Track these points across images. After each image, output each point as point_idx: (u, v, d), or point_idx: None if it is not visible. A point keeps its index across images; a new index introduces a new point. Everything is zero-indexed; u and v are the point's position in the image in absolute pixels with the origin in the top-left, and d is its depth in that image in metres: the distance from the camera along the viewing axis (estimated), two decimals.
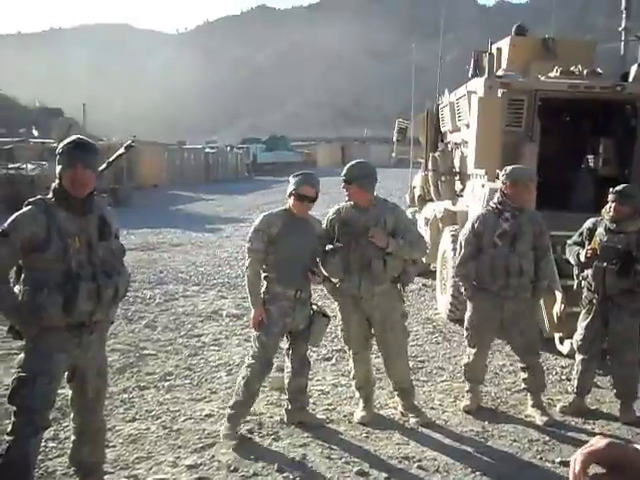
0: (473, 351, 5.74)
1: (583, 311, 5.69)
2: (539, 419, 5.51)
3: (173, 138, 53.23)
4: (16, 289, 3.59)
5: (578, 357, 5.74)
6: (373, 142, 66.65)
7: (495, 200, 5.69)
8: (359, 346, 5.45)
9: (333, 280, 5.39)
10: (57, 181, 3.67)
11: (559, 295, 6.69)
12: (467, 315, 5.79)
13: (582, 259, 5.54)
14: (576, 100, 8.23)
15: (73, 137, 3.80)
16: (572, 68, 8.41)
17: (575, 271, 5.77)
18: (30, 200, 3.62)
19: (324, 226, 5.35)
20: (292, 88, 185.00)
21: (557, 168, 8.78)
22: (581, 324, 5.69)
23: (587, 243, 5.59)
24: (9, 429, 3.56)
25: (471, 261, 5.62)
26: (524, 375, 5.74)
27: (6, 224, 3.52)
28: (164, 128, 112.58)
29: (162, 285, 10.79)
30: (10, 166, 24.39)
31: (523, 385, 5.81)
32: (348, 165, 5.30)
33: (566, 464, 4.68)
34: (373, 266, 5.12)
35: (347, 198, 5.29)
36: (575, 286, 5.79)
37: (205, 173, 42.00)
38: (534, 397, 5.70)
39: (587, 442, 3.69)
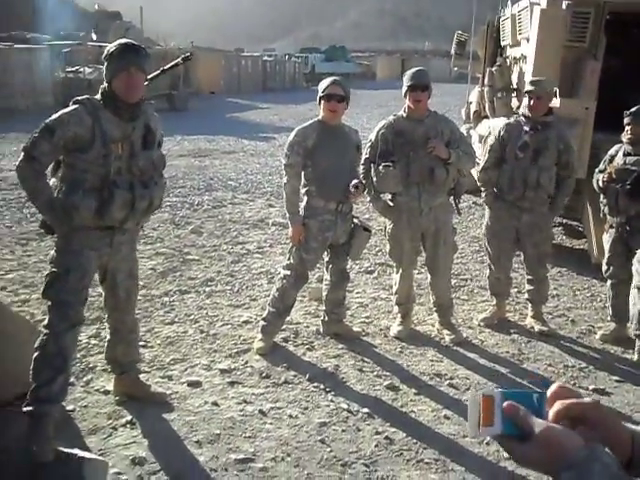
0: (493, 263, 5.81)
1: (607, 236, 5.61)
2: (537, 328, 5.64)
3: (231, 45, 52.70)
4: (51, 182, 3.59)
5: (607, 283, 5.72)
6: (434, 55, 64.83)
7: (521, 111, 5.66)
8: (408, 263, 5.42)
9: (384, 196, 5.32)
10: (106, 84, 3.59)
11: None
12: (485, 223, 5.88)
13: (600, 184, 5.48)
14: None
15: (123, 40, 3.71)
16: None
17: (600, 198, 5.64)
18: (77, 99, 3.54)
19: (371, 138, 5.23)
20: None
21: (620, 89, 8.37)
22: (606, 249, 5.64)
23: (608, 169, 5.47)
24: (45, 322, 3.64)
25: (493, 168, 5.64)
26: (529, 287, 5.81)
27: (52, 119, 3.45)
28: (222, 35, 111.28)
29: (211, 192, 10.85)
30: (68, 69, 24.53)
31: (526, 296, 5.89)
32: (414, 71, 5.12)
33: (600, 392, 4.64)
34: (436, 175, 5.05)
35: (405, 107, 5.14)
36: (601, 213, 5.65)
37: (262, 81, 41.62)
38: (534, 307, 5.81)
39: (624, 371, 3.62)
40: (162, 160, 3.90)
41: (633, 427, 1.06)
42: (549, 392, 1.08)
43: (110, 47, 3.61)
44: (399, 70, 61.87)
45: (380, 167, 5.08)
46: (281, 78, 44.06)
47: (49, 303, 3.61)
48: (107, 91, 3.57)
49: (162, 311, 5.65)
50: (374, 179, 5.17)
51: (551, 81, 5.71)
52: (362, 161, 5.22)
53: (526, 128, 5.45)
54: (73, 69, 24.55)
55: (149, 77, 4.08)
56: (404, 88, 5.07)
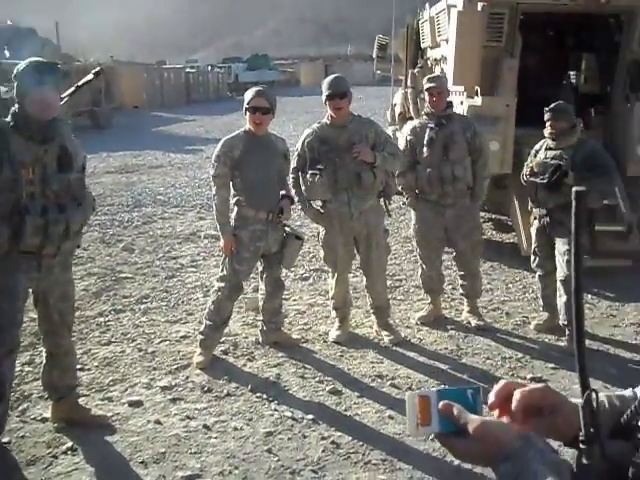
0: (423, 261, 5.91)
1: (532, 228, 5.76)
2: (474, 323, 5.76)
3: (152, 57, 52.05)
4: None
5: (537, 274, 5.87)
6: (357, 60, 65.42)
7: (424, 111, 5.83)
8: (343, 267, 5.45)
9: (314, 204, 5.35)
10: (16, 105, 3.50)
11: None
12: (412, 225, 5.99)
13: (523, 178, 5.63)
14: (559, 14, 8.00)
15: (33, 58, 3.62)
16: None
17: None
18: None
19: (298, 147, 5.25)
20: (274, 4, 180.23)
21: (538, 84, 8.62)
22: (532, 241, 5.80)
23: (530, 163, 5.64)
24: None
25: (410, 172, 5.75)
26: (462, 282, 5.94)
27: None
28: (143, 47, 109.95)
29: (140, 208, 10.69)
30: None
31: (460, 291, 6.02)
32: (331, 80, 5.14)
33: (537, 380, 4.76)
34: (364, 179, 5.09)
35: (328, 115, 5.17)
36: (529, 206, 5.82)
37: (186, 93, 41.21)
38: (470, 302, 5.94)
39: (558, 358, 3.72)
40: (81, 183, 3.77)
41: (575, 401, 1.10)
42: (497, 389, 1.12)
43: (20, 66, 3.52)
44: (322, 76, 62.03)
45: (308, 176, 5.11)
46: (205, 89, 43.75)
47: None
48: (18, 111, 3.48)
49: (98, 332, 5.54)
50: (303, 188, 5.20)
51: (445, 77, 6.06)
52: (291, 170, 5.23)
53: (431, 125, 5.60)
54: None
55: (64, 95, 4.01)
56: (323, 97, 5.11)
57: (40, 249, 3.53)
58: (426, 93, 5.62)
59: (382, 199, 5.41)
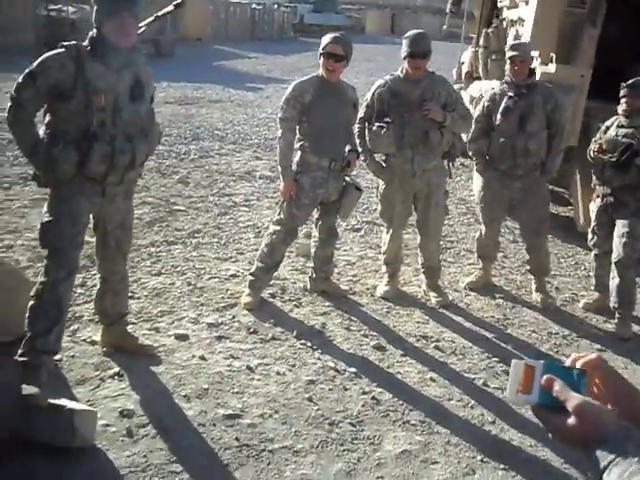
0: (484, 227, 5.78)
1: (594, 206, 5.58)
2: (542, 303, 5.58)
3: None
4: (41, 131, 3.51)
5: (592, 252, 5.71)
6: (426, 12, 63.96)
7: (505, 79, 5.58)
8: (399, 224, 5.40)
9: (377, 157, 5.28)
10: (95, 29, 3.46)
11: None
12: (478, 190, 5.81)
13: (591, 154, 5.42)
14: None
15: None
16: None
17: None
18: (64, 43, 3.43)
19: (367, 98, 5.17)
20: None
21: (616, 56, 8.30)
22: (592, 219, 5.62)
23: (600, 139, 5.42)
24: (42, 272, 3.61)
25: (482, 138, 5.57)
26: (528, 257, 5.77)
27: (35, 64, 3.37)
28: None
29: (198, 141, 10.71)
30: (51, 7, 23.89)
31: (527, 267, 5.85)
32: (414, 37, 4.97)
33: None
34: (431, 138, 5.01)
35: (403, 68, 5.06)
36: (592, 183, 5.62)
37: (250, 30, 40.89)
38: (538, 280, 5.76)
39: (605, 340, 3.66)
40: (151, 115, 3.78)
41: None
42: (585, 360, 1.11)
43: None
44: (389, 25, 61.17)
45: (374, 128, 5.04)
46: (269, 27, 43.30)
47: (45, 252, 3.58)
48: (96, 37, 3.45)
49: (149, 262, 5.61)
50: (368, 139, 5.12)
51: (530, 45, 5.67)
52: (357, 120, 5.16)
53: (510, 94, 5.38)
54: (56, 7, 23.91)
55: (143, 24, 3.97)
56: (403, 52, 4.98)
57: (104, 177, 3.55)
58: (508, 61, 5.39)
59: (446, 159, 5.31)
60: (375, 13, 62.69)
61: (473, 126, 5.57)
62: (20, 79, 3.37)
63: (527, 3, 8.03)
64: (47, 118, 3.49)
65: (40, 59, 3.38)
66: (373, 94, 5.12)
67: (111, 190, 3.65)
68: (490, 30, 9.38)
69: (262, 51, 31.34)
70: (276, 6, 46.56)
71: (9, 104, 3.39)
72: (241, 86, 18.06)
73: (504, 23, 9.44)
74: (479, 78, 10.25)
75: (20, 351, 3.48)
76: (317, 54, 4.85)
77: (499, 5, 10.03)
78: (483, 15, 10.51)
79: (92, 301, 4.50)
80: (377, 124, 5.03)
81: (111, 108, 3.46)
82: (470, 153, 5.80)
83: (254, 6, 42.48)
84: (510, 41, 8.89)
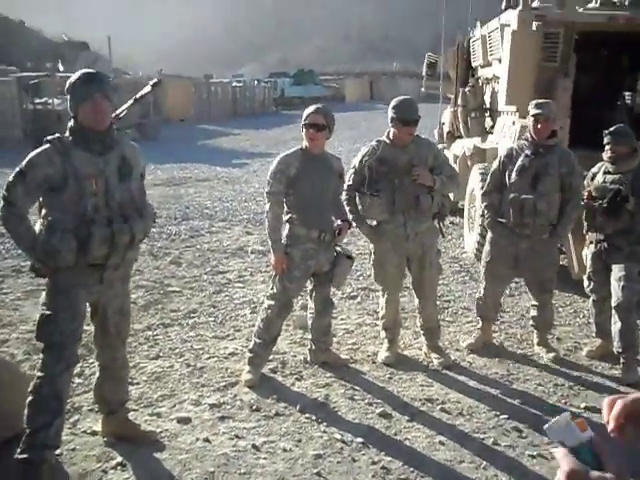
0: (485, 285, 5.72)
1: (587, 252, 5.57)
2: (545, 356, 5.52)
3: (199, 72, 52.62)
4: (38, 225, 3.54)
5: (590, 299, 5.67)
6: (402, 76, 65.36)
7: (524, 135, 5.59)
8: (394, 287, 5.39)
9: (369, 222, 5.31)
10: (72, 120, 3.55)
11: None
12: (485, 247, 5.76)
13: (581, 202, 5.41)
14: (616, 33, 7.86)
15: (83, 70, 3.67)
16: None
17: (583, 215, 5.58)
18: (48, 138, 3.51)
19: (355, 165, 5.22)
20: (319, 21, 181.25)
21: (592, 105, 8.47)
22: (587, 266, 5.60)
23: (587, 187, 5.45)
24: (39, 366, 3.58)
25: (495, 192, 5.55)
26: (533, 312, 5.71)
27: (23, 163, 3.45)
28: (190, 62, 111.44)
29: (188, 221, 10.78)
30: (37, 101, 24.34)
31: (531, 322, 5.79)
32: (402, 102, 5.08)
33: (591, 410, 4.63)
34: (422, 203, 5.05)
35: (389, 133, 5.13)
36: (584, 229, 5.61)
37: (232, 107, 41.65)
38: (540, 335, 5.70)
39: (613, 388, 3.62)
40: (142, 192, 3.84)
41: None
42: (608, 410, 1.16)
43: (71, 79, 3.58)
44: (368, 92, 62.40)
45: (365, 196, 5.08)
46: (251, 103, 44.14)
47: (42, 345, 3.56)
48: (74, 125, 3.53)
49: (146, 346, 5.57)
50: (360, 207, 5.17)
51: (554, 104, 5.58)
52: (345, 187, 5.20)
53: (527, 152, 5.37)
54: (42, 101, 24.36)
55: (123, 107, 4.04)
56: (392, 118, 5.05)
57: (106, 260, 3.56)
58: (531, 118, 5.37)
59: (437, 220, 5.34)
60: (353, 81, 64.09)
61: (488, 179, 5.61)
62: (10, 178, 3.43)
63: (500, 61, 8.23)
64: (43, 211, 3.54)
65: (28, 157, 3.45)
66: (361, 162, 5.17)
67: (109, 275, 3.66)
68: (467, 89, 9.57)
69: (245, 127, 31.87)
70: (256, 82, 47.60)
71: (1, 203, 3.43)
72: (227, 163, 18.29)
73: (480, 82, 9.66)
74: (460, 137, 10.43)
75: (20, 448, 3.42)
76: (299, 126, 4.93)
77: (473, 65, 10.28)
78: (459, 75, 10.74)
79: (91, 391, 4.44)
80: (368, 192, 5.07)
81: (102, 192, 3.52)
82: (482, 205, 5.78)
83: (235, 84, 43.42)
84: (487, 98, 9.12)
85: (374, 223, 5.30)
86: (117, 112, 3.90)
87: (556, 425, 1.11)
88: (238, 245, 9.26)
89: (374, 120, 36.92)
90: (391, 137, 5.12)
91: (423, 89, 15.94)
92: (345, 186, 5.20)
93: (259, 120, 36.97)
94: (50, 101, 23.82)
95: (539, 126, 5.31)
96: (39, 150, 3.48)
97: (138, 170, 3.79)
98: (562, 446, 1.09)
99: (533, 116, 5.35)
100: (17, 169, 3.45)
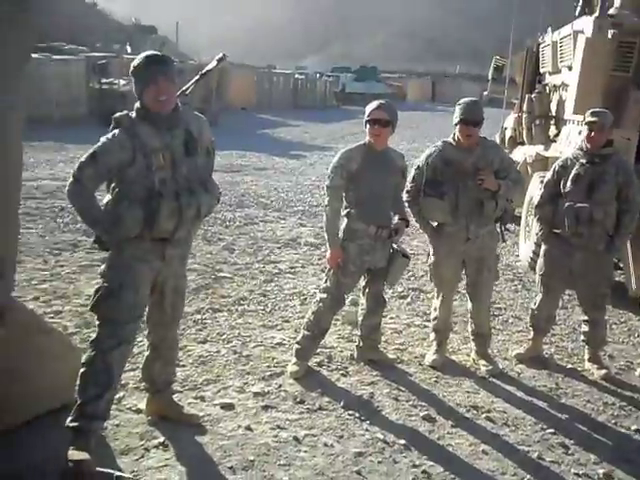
0: (539, 297, 5.60)
1: None
2: (596, 373, 5.39)
3: (262, 62, 52.99)
4: (106, 199, 3.60)
5: None
6: (465, 79, 64.71)
7: (579, 145, 5.45)
8: (449, 289, 5.34)
9: (433, 223, 5.25)
10: (138, 102, 3.57)
11: None
12: (539, 259, 5.64)
13: None
14: None
15: (147, 52, 3.66)
16: None
17: None
18: (116, 117, 3.54)
19: (421, 164, 5.15)
20: (383, 17, 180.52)
21: None
22: None
23: None
24: (92, 338, 3.62)
25: (549, 204, 5.43)
26: (585, 328, 5.56)
27: (97, 146, 3.48)
28: (254, 52, 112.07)
29: (243, 208, 10.85)
30: (103, 81, 24.83)
31: (582, 338, 5.63)
32: (468, 104, 4.98)
33: None
34: (486, 207, 4.98)
35: (454, 136, 5.06)
36: None
37: (293, 99, 41.80)
38: (592, 351, 5.56)
39: None
40: (209, 166, 3.86)
41: None
42: None
43: (135, 61, 3.58)
44: (429, 92, 61.95)
45: (429, 198, 5.03)
46: (312, 96, 44.24)
47: (98, 319, 3.59)
48: (140, 108, 3.56)
49: (194, 329, 5.61)
50: (423, 208, 5.12)
51: (610, 114, 5.38)
52: (408, 185, 5.16)
53: (582, 161, 5.26)
54: (108, 81, 24.84)
55: (189, 85, 4.05)
56: (455, 119, 4.98)
57: (172, 234, 3.59)
58: (585, 127, 5.26)
59: (499, 224, 5.25)
60: (415, 81, 63.71)
61: (542, 190, 5.51)
62: (83, 158, 3.47)
63: (570, 69, 8.06)
64: (112, 185, 3.59)
65: (102, 141, 3.49)
66: (426, 161, 5.10)
67: (170, 252, 3.68)
68: (533, 96, 9.41)
69: (305, 119, 31.94)
70: (318, 75, 47.67)
71: (70, 180, 3.48)
72: (285, 154, 18.35)
73: (547, 88, 9.48)
74: (522, 143, 10.26)
75: (70, 417, 3.48)
76: (359, 122, 4.89)
77: (541, 71, 10.10)
78: (525, 81, 10.56)
79: (137, 369, 4.50)
80: (432, 194, 5.02)
81: (170, 165, 3.55)
82: (536, 218, 5.69)
83: (297, 76, 43.56)
84: (553, 106, 8.95)
85: (435, 224, 5.24)
86: (183, 88, 3.90)
87: None
88: (291, 236, 9.28)
89: (434, 120, 36.71)
90: (456, 139, 5.05)
91: (486, 92, 15.76)
92: (407, 186, 5.15)
93: (319, 113, 37.03)
94: (116, 81, 24.26)
95: (593, 134, 5.19)
96: (111, 135, 3.50)
97: (204, 144, 3.79)
98: None
99: (587, 124, 5.24)
100: (90, 151, 3.48)
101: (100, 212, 3.53)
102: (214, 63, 4.44)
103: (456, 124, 4.98)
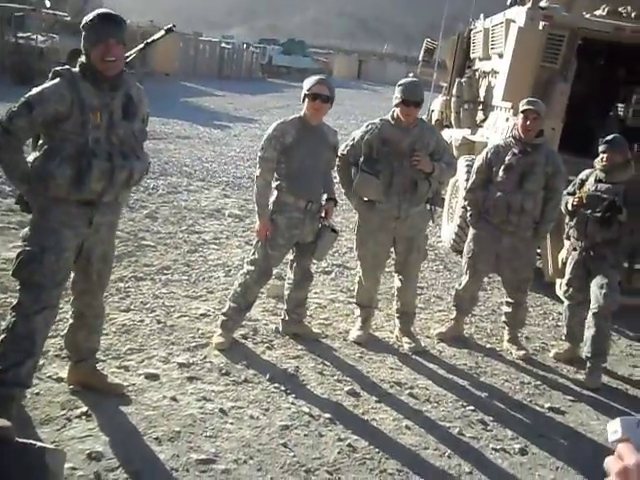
0: (465, 279, 5.74)
1: (569, 258, 5.62)
2: (515, 353, 5.59)
3: (188, 29, 51.81)
4: (31, 156, 3.46)
5: (564, 303, 5.74)
6: (391, 59, 65.14)
7: (510, 134, 5.59)
8: (373, 264, 5.36)
9: (364, 199, 5.25)
10: (83, 56, 3.46)
11: (567, 241, 6.57)
12: (467, 242, 5.79)
13: (569, 208, 5.44)
14: (618, 44, 7.85)
15: (101, 9, 3.56)
16: (620, 9, 8.02)
17: (566, 220, 5.64)
18: (57, 69, 3.43)
19: (355, 138, 5.17)
20: None
21: (584, 113, 8.50)
22: (567, 271, 5.64)
23: (578, 193, 5.46)
24: (14, 304, 3.49)
25: (480, 189, 5.58)
26: (507, 309, 5.78)
27: (32, 94, 3.35)
28: (179, 17, 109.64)
29: (166, 177, 10.63)
30: (20, 35, 23.73)
31: (503, 319, 5.84)
32: (408, 84, 5.02)
33: (555, 410, 4.69)
34: (419, 188, 5.04)
35: (393, 114, 5.07)
36: (565, 235, 5.67)
37: (218, 68, 41.15)
38: (511, 332, 5.78)
39: (576, 392, 3.61)
40: (144, 133, 3.74)
41: None
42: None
43: (88, 16, 3.46)
44: (356, 70, 62.10)
45: (362, 174, 5.05)
46: (238, 67, 43.68)
47: (20, 284, 3.46)
48: (85, 63, 3.44)
49: (117, 297, 5.47)
50: (355, 183, 5.12)
51: (543, 104, 5.55)
52: (339, 158, 5.17)
53: (515, 150, 5.39)
54: (25, 35, 23.76)
55: (133, 52, 3.94)
56: (396, 99, 5.00)
57: (100, 196, 3.48)
58: (520, 115, 5.36)
59: (430, 205, 5.32)
60: (343, 58, 63.76)
61: (473, 176, 5.61)
62: (15, 108, 3.33)
63: (501, 56, 8.19)
64: (40, 141, 3.46)
65: (38, 89, 3.36)
66: (362, 137, 5.11)
67: (98, 219, 3.56)
68: (463, 80, 9.53)
69: (230, 90, 31.51)
70: (245, 46, 47.01)
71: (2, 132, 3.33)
72: (209, 123, 18.06)
73: (477, 74, 9.61)
74: (449, 126, 10.40)
75: None
76: (284, 95, 4.86)
77: (472, 56, 10.22)
78: (456, 65, 10.68)
79: (58, 336, 4.37)
80: (365, 171, 5.03)
81: (105, 126, 3.44)
82: (465, 203, 5.80)
83: (223, 45, 42.86)
84: (482, 91, 9.10)
85: (365, 199, 5.26)
86: (126, 54, 3.77)
87: (630, 421, 1.13)
88: (215, 207, 9.16)
89: (359, 99, 36.86)
90: (395, 117, 5.07)
91: (411, 74, 15.87)
92: (339, 154, 5.15)
93: (244, 85, 36.59)
94: (34, 37, 23.22)
95: (528, 122, 5.32)
96: (51, 84, 3.39)
97: (142, 112, 3.70)
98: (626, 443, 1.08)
99: (523, 112, 5.36)
100: (23, 99, 3.35)
101: (27, 169, 3.39)
102: (161, 32, 4.33)
103: (397, 104, 5.00)
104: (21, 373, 3.39)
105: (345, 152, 5.19)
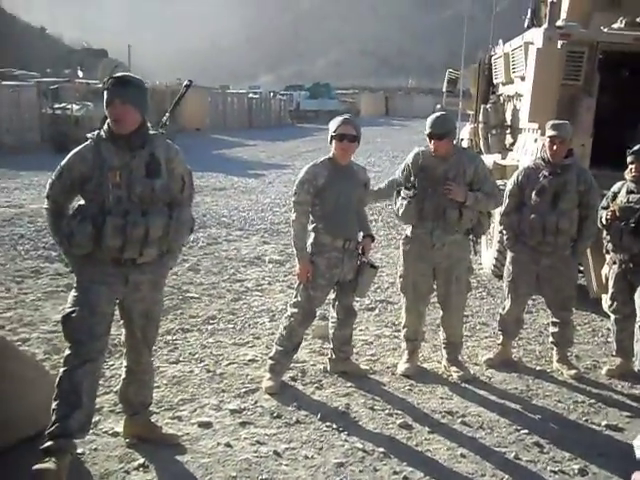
0: (508, 303, 5.72)
1: (610, 272, 5.59)
2: (566, 373, 5.54)
3: (215, 83, 52.97)
4: None
5: (611, 318, 5.68)
6: (417, 92, 65.49)
7: (539, 155, 5.64)
8: (416, 296, 5.40)
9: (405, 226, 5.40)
10: (107, 120, 3.65)
11: (608, 256, 6.52)
12: (506, 266, 5.79)
13: (604, 222, 5.43)
14: (639, 54, 7.86)
15: (116, 74, 3.72)
16: (638, 19, 8.04)
17: (603, 234, 5.61)
18: (87, 135, 3.65)
19: (407, 162, 5.30)
20: (336, 35, 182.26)
21: (613, 126, 8.47)
22: (610, 285, 5.60)
23: (611, 206, 5.44)
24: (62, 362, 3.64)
25: (514, 213, 5.60)
26: (553, 329, 5.73)
27: (63, 161, 3.64)
28: (206, 73, 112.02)
29: (205, 229, 10.83)
30: (56, 106, 24.55)
31: (550, 339, 5.79)
32: (434, 119, 5.12)
33: (612, 428, 4.61)
34: (447, 216, 5.10)
35: (431, 148, 5.17)
36: (604, 249, 5.64)
37: (248, 118, 41.85)
38: (560, 351, 5.72)
39: (633, 407, 3.58)
40: (165, 189, 3.72)
41: None
42: None
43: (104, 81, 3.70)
44: (383, 107, 62.53)
45: (399, 200, 5.24)
46: (267, 115, 44.39)
47: (66, 342, 3.63)
48: (107, 126, 3.64)
49: (166, 350, 5.59)
50: (395, 207, 5.35)
51: (569, 125, 5.57)
52: (393, 179, 5.44)
53: (545, 172, 5.42)
54: (60, 106, 24.57)
55: (167, 116, 4.06)
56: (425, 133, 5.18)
57: (121, 253, 3.59)
58: (547, 139, 5.42)
59: (470, 235, 5.34)
60: (368, 96, 64.25)
61: (506, 200, 5.64)
62: (52, 175, 3.65)
63: (523, 79, 8.24)
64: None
65: (68, 155, 3.63)
66: (404, 165, 5.32)
67: (135, 278, 3.68)
68: (488, 106, 9.58)
69: (261, 138, 32.00)
70: (272, 94, 47.79)
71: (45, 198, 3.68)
72: (243, 173, 18.36)
73: (501, 99, 9.67)
74: (480, 153, 10.42)
75: (43, 441, 3.46)
76: (314, 139, 4.98)
77: (495, 82, 10.29)
78: (480, 92, 10.74)
79: (112, 392, 4.49)
80: (402, 196, 5.21)
81: (125, 184, 3.58)
82: (501, 227, 5.83)
83: (251, 95, 43.63)
84: (508, 116, 9.13)
85: (408, 231, 5.36)
86: (163, 120, 3.95)
87: None
88: (256, 254, 9.29)
89: (389, 135, 37.09)
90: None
91: (439, 105, 16.00)
92: (396, 177, 5.39)
93: (274, 132, 37.12)
94: (69, 106, 24.00)
95: (555, 148, 5.37)
96: (78, 148, 3.63)
97: (176, 171, 3.78)
98: None
99: (549, 137, 5.40)
100: (58, 167, 3.63)
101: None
102: (183, 90, 4.48)
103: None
104: (69, 425, 3.47)
105: (397, 175, 5.42)
